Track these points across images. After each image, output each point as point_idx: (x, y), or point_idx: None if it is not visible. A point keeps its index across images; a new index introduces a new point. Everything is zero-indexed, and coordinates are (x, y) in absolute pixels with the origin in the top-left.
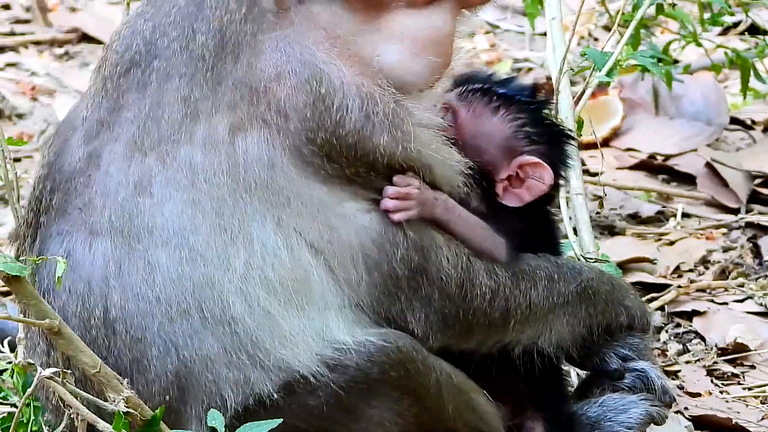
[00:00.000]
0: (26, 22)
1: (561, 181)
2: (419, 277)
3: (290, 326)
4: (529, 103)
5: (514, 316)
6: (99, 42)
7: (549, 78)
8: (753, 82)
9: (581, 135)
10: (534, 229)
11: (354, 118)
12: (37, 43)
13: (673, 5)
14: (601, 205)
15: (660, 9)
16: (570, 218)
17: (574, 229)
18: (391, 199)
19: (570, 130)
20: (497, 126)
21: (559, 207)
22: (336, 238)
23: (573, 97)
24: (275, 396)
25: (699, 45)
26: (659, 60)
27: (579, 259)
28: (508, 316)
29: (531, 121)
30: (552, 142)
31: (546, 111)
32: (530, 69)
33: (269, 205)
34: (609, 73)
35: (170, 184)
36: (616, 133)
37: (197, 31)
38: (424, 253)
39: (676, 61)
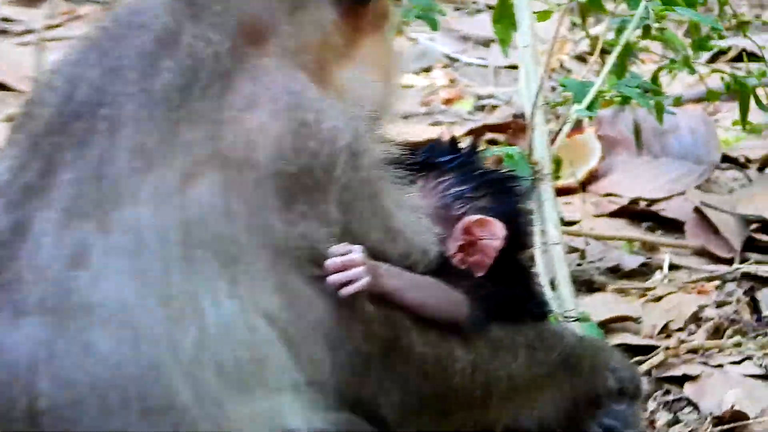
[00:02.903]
0: None
1: (522, 227)
2: (391, 355)
3: (238, 416)
4: (448, 161)
5: (495, 392)
6: (7, 88)
7: (516, 116)
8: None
9: (559, 177)
10: (509, 290)
11: (343, 142)
12: None
13: (662, 28)
14: (583, 257)
15: (647, 32)
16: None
17: (552, 284)
18: (334, 273)
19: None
20: (425, 202)
21: (533, 260)
22: (290, 309)
23: (549, 135)
24: None
25: (693, 72)
26: (646, 91)
27: (557, 318)
28: (489, 392)
29: (457, 178)
30: (491, 190)
31: (472, 160)
32: (495, 106)
33: (223, 261)
34: (590, 107)
35: (111, 253)
36: (593, 176)
37: (163, 69)
38: (392, 328)
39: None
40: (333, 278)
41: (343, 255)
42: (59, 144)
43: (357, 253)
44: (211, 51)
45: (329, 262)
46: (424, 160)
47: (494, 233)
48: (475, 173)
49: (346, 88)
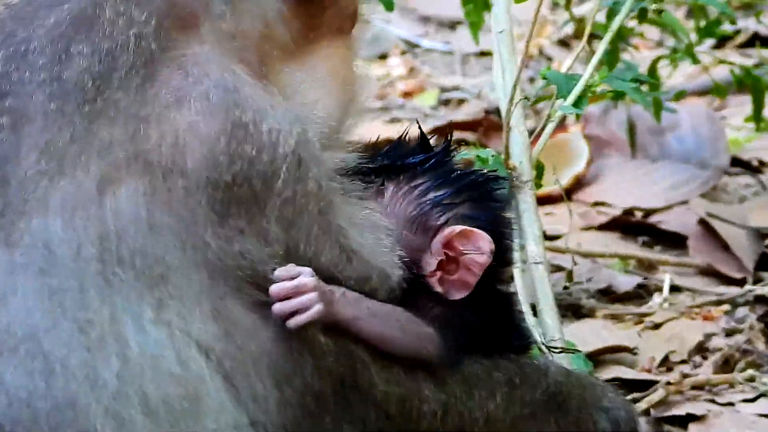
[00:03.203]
0: None
1: (505, 241)
2: (349, 392)
3: None
4: (421, 162)
5: None
6: None
7: (488, 111)
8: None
9: (541, 185)
10: (484, 317)
11: (287, 148)
12: None
13: (660, 10)
14: (570, 278)
15: (643, 15)
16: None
17: (534, 309)
18: (280, 300)
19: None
20: (397, 210)
21: (510, 280)
22: (228, 338)
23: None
24: None
25: (696, 61)
26: (640, 83)
27: (540, 348)
28: None
29: (433, 182)
30: (471, 195)
31: (447, 160)
32: (462, 100)
33: (147, 281)
34: (577, 103)
35: (18, 272)
36: (580, 183)
37: (77, 54)
38: (348, 361)
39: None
40: (279, 307)
41: (290, 279)
42: None
43: (307, 276)
44: (134, 32)
45: (274, 288)
46: (390, 161)
47: (480, 247)
48: (452, 175)
49: (293, 90)
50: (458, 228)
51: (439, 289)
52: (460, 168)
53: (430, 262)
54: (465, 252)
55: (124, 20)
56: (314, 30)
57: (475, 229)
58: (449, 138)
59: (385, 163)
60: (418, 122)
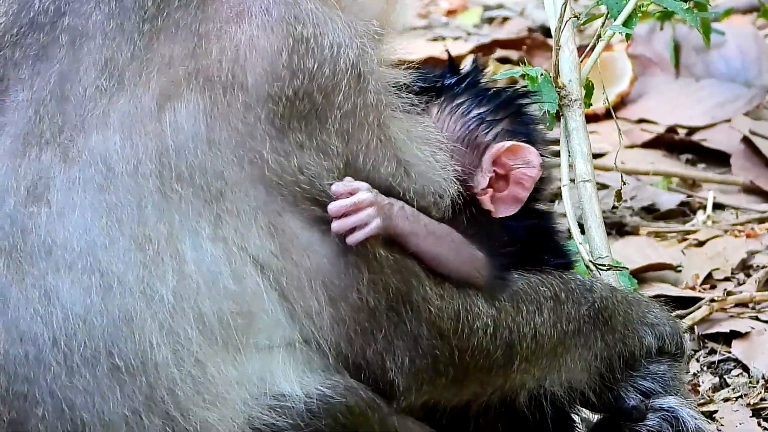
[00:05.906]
0: None
1: (543, 156)
2: (402, 308)
3: (223, 378)
4: (456, 83)
5: (519, 352)
6: None
7: (531, 30)
8: None
9: (590, 105)
10: (526, 235)
11: (347, 62)
12: None
13: None
14: (619, 198)
15: None
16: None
17: (581, 227)
18: (338, 218)
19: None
20: (444, 130)
21: (553, 200)
22: (284, 254)
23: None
24: None
25: None
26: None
27: (587, 266)
28: (512, 352)
29: (474, 100)
30: (510, 111)
31: (480, 79)
32: (506, 18)
33: (205, 197)
34: (627, 23)
35: (76, 186)
36: (623, 101)
37: None
38: (404, 276)
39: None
40: (338, 225)
41: (348, 194)
42: (14, 58)
43: (365, 192)
44: None
45: (333, 206)
46: (429, 84)
47: (530, 161)
48: (489, 93)
49: (346, 1)
50: (507, 144)
51: (489, 206)
52: (493, 86)
53: (481, 181)
54: (515, 167)
55: None
56: None
57: (522, 144)
58: (476, 58)
59: (425, 85)
60: (447, 49)
